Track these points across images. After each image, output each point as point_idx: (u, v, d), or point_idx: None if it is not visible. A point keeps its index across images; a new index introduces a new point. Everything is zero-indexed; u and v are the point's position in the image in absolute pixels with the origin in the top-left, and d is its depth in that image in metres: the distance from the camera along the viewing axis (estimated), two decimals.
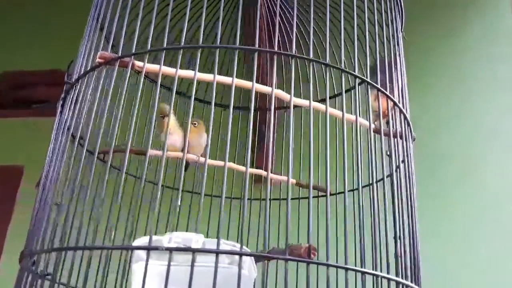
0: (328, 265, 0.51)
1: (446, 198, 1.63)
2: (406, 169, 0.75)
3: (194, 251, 0.50)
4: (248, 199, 1.18)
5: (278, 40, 1.21)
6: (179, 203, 0.53)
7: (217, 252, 0.50)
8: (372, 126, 0.81)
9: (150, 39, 0.66)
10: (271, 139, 0.59)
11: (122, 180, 0.56)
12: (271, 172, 1.24)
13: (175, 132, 1.08)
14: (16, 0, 2.38)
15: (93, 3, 0.87)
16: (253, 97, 0.59)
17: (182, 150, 1.12)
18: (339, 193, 1.07)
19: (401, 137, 0.78)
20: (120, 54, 0.66)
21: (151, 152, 1.07)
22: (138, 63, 0.66)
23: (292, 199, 1.19)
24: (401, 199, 0.72)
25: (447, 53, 1.89)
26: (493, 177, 1.67)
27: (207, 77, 0.64)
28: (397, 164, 0.77)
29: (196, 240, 0.52)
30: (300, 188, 1.19)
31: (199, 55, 0.61)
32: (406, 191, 0.73)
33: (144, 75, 1.16)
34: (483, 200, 1.64)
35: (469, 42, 1.90)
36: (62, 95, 0.79)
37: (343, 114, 0.64)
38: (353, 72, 0.65)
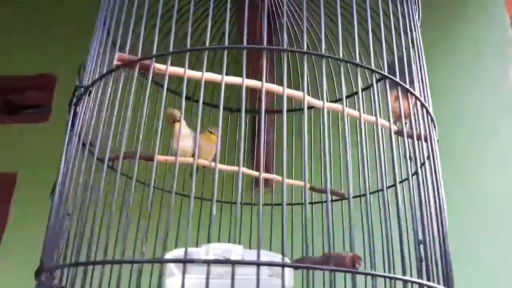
0: (374, 275, 0.49)
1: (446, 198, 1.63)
2: (432, 167, 0.72)
3: (233, 263, 0.48)
4: (288, 204, 1.15)
5: (287, 39, 1.18)
6: (214, 212, 0.50)
7: (258, 264, 0.48)
8: (394, 128, 0.80)
9: (172, 41, 0.63)
10: (305, 145, 0.56)
11: (151, 193, 0.53)
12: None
13: (186, 137, 1.05)
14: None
15: (101, 5, 0.84)
16: (285, 101, 0.56)
17: (193, 156, 1.09)
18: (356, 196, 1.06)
19: (425, 140, 0.76)
20: (140, 56, 0.63)
21: (160, 158, 1.04)
22: (160, 66, 0.63)
23: (310, 203, 1.17)
24: (427, 199, 0.70)
25: (444, 52, 1.90)
26: (492, 177, 1.67)
27: (235, 80, 0.61)
28: (421, 162, 0.75)
29: (235, 251, 0.50)
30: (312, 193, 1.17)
31: (225, 56, 0.59)
32: (433, 190, 0.71)
33: (152, 78, 1.13)
34: (482, 200, 1.64)
35: (466, 41, 1.90)
36: (74, 101, 0.75)
37: (376, 118, 0.62)
38: (383, 72, 0.63)
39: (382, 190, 0.57)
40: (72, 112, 0.75)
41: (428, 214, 0.69)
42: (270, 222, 1.17)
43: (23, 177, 1.98)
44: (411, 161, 0.97)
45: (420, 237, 0.85)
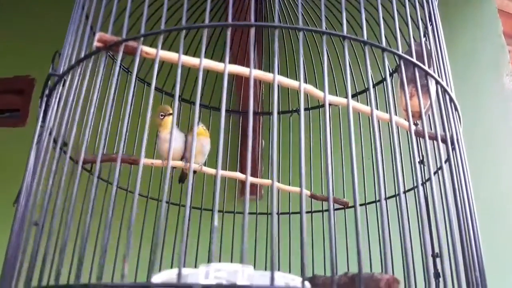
0: None
1: None
2: (458, 162, 0.62)
3: None
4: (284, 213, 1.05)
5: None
6: (216, 224, 0.40)
7: None
8: (414, 128, 0.71)
9: (164, 19, 0.53)
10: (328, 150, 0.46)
11: (136, 201, 0.43)
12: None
13: (175, 138, 0.95)
14: None
15: None
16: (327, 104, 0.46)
17: (182, 158, 0.99)
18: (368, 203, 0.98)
19: (443, 141, 0.67)
20: (124, 37, 0.53)
21: (146, 161, 0.93)
22: (148, 49, 0.53)
23: (310, 211, 1.07)
24: (459, 197, 0.60)
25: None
26: (486, 184, 1.61)
27: (241, 70, 0.51)
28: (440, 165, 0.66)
29: (242, 272, 0.40)
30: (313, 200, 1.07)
31: (247, 34, 0.49)
32: (459, 186, 0.61)
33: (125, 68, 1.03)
34: (477, 207, 1.57)
35: (459, 50, 1.85)
36: (47, 91, 0.65)
37: (414, 111, 0.53)
38: (412, 59, 0.55)
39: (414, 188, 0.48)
40: (43, 105, 0.64)
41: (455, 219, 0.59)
42: (266, 233, 1.07)
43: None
44: (423, 165, 0.89)
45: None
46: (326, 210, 1.06)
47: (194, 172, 1.04)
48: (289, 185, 1.05)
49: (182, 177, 1.08)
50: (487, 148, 1.67)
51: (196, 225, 1.05)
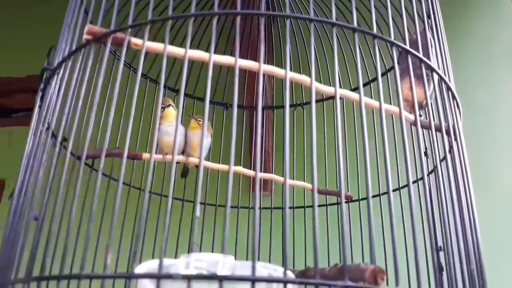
0: None
1: None
2: (456, 158, 0.61)
3: (221, 279, 0.37)
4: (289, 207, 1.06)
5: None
6: (198, 215, 0.40)
7: (254, 280, 0.37)
8: (411, 118, 0.69)
9: (152, 8, 0.52)
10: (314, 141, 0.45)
11: (120, 189, 0.43)
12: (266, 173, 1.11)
13: (173, 130, 0.95)
14: None
15: None
16: (287, 89, 0.45)
17: (183, 153, 0.99)
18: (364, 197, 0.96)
19: (438, 130, 0.65)
20: (112, 28, 0.53)
21: (146, 156, 0.94)
22: (136, 40, 0.53)
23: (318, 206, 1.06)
24: (452, 195, 0.58)
25: (451, 54, 1.81)
26: (502, 180, 1.57)
27: (225, 60, 0.50)
28: (443, 156, 0.65)
29: (223, 263, 0.39)
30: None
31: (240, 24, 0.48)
32: (459, 182, 0.59)
33: (126, 62, 1.03)
34: (487, 206, 1.53)
35: (474, 43, 1.80)
36: (41, 86, 0.65)
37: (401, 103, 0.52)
38: (405, 46, 0.53)
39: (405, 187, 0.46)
40: (38, 99, 0.64)
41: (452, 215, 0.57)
42: (270, 228, 1.07)
43: (12, 184, 1.87)
44: (426, 157, 0.87)
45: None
46: (330, 204, 1.05)
47: (196, 166, 1.04)
48: (293, 179, 1.04)
49: (185, 171, 1.08)
50: (501, 140, 1.63)
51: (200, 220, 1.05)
